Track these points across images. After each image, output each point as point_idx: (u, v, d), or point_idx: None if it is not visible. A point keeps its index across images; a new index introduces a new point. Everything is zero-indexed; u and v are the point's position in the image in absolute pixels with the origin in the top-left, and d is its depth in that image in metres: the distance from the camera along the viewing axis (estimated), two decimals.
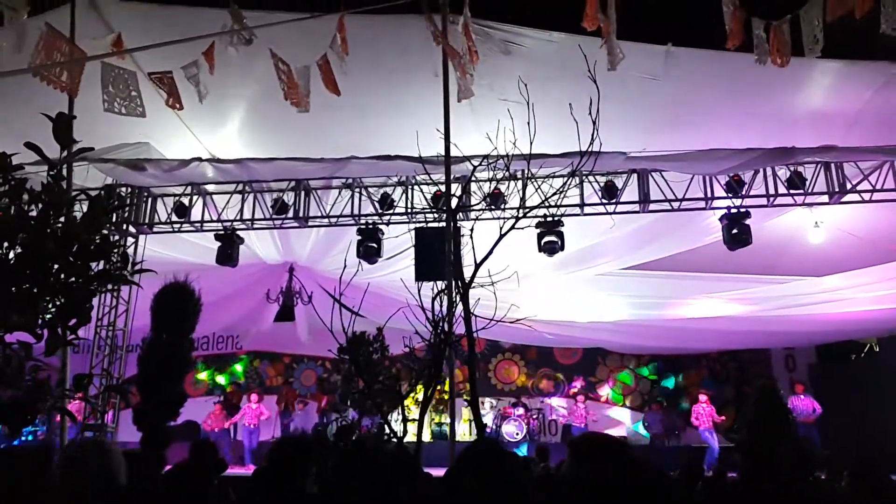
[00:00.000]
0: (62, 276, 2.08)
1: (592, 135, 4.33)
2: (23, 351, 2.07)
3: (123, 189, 10.18)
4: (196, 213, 10.36)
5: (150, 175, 9.38)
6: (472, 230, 4.75)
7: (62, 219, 2.14)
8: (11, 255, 2.05)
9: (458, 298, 4.42)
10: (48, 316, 2.11)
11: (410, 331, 4.64)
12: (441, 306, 4.32)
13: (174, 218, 10.29)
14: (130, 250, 10.36)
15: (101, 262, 2.26)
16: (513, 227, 4.64)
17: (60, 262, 2.05)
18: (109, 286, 2.28)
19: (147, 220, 10.43)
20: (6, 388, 2.03)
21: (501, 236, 4.61)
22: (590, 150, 4.29)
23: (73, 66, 6.61)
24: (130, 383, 9.83)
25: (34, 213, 2.12)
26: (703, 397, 13.74)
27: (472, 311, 4.52)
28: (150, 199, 10.54)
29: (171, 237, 10.82)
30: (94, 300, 2.26)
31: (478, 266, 4.36)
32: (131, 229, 10.39)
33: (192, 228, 10.45)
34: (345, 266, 5.13)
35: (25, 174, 2.27)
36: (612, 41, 6.96)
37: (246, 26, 7.00)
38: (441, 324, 4.27)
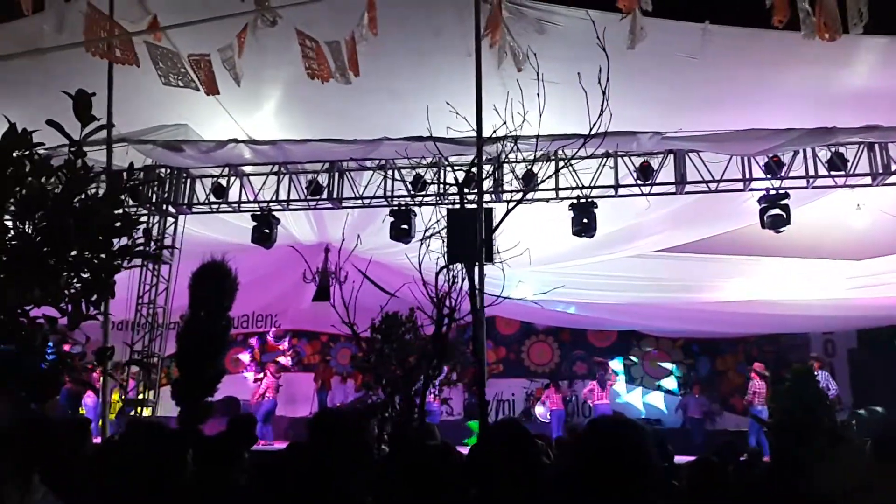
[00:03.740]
0: (85, 252, 2.15)
1: (601, 108, 4.21)
2: (48, 325, 2.15)
3: (163, 170, 10.40)
4: (234, 195, 10.55)
5: (188, 156, 9.57)
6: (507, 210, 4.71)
7: (83, 196, 2.20)
8: (32, 230, 2.12)
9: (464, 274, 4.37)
10: (73, 291, 2.18)
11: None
12: (447, 282, 4.27)
13: (212, 198, 10.50)
14: (170, 230, 10.61)
15: (125, 239, 2.32)
16: (520, 202, 4.59)
17: (81, 237, 2.12)
18: (133, 262, 2.35)
19: (186, 201, 10.65)
20: (33, 361, 2.11)
21: (508, 211, 4.57)
22: (595, 128, 4.16)
23: (123, 40, 6.75)
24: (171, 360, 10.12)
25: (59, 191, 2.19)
26: (758, 366, 13.13)
27: (504, 294, 4.52)
28: (188, 181, 10.76)
29: (211, 218, 11.04)
30: (135, 278, 2.33)
31: (484, 241, 4.35)
32: (171, 209, 10.62)
33: (229, 209, 10.65)
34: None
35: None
36: (636, 18, 6.83)
37: (269, 7, 7.05)
38: (445, 301, 4.24)
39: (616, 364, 16.76)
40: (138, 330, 10.21)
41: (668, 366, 16.91)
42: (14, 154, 2.11)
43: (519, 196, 9.32)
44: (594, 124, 4.20)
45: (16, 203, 2.12)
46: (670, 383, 16.73)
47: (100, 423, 8.79)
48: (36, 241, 2.09)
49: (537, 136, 7.88)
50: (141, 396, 9.84)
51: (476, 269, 4.72)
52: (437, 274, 4.20)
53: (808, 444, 5.04)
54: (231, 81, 7.89)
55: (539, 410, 15.05)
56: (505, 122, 5.00)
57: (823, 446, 5.21)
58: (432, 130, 8.04)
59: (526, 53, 7.40)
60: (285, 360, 15.44)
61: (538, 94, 5.37)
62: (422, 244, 4.49)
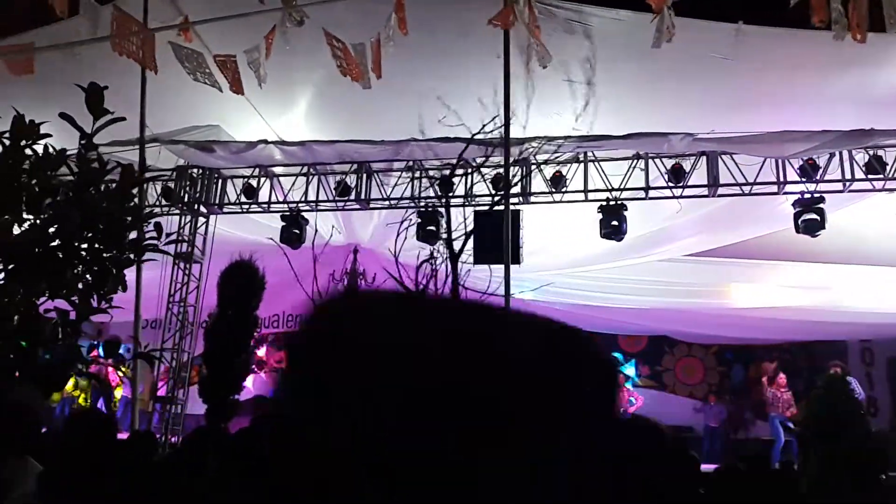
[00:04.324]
0: (96, 245, 2.16)
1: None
2: (59, 317, 2.17)
3: (195, 170, 10.55)
4: (264, 195, 10.65)
5: (219, 157, 9.69)
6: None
7: (92, 190, 2.21)
8: (40, 222, 2.14)
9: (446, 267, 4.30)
10: (84, 285, 2.19)
11: None
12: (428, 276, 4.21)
13: (243, 199, 10.61)
14: (202, 229, 10.75)
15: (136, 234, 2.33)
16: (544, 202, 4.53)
17: (88, 231, 2.13)
18: (149, 258, 2.36)
19: (217, 201, 10.78)
20: (43, 351, 2.13)
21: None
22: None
23: (146, 44, 6.87)
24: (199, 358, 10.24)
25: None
26: (781, 379, 12.79)
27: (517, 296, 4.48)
28: (220, 181, 10.89)
29: (241, 218, 11.16)
30: (167, 277, 2.35)
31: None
32: (202, 209, 10.76)
33: (259, 209, 10.76)
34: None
35: (110, 153, 2.37)
36: (664, 17, 6.73)
37: (295, 7, 7.09)
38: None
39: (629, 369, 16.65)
40: (169, 328, 10.34)
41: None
42: (21, 143, 2.14)
43: (547, 198, 9.28)
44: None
45: (27, 196, 2.15)
46: (700, 390, 16.42)
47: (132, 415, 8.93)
48: (46, 234, 2.11)
49: (566, 137, 7.84)
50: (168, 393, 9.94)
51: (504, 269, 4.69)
52: (418, 268, 4.16)
53: (835, 456, 4.90)
54: (263, 83, 7.97)
55: None
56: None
57: (855, 459, 5.06)
58: (461, 131, 8.03)
59: (544, 54, 7.34)
60: None
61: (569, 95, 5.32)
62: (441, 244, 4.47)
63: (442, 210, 9.84)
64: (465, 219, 8.17)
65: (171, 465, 4.24)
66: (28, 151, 2.24)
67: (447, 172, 9.43)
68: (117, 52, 6.85)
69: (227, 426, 6.70)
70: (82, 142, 2.29)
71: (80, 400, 13.73)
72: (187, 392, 10.36)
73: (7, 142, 2.16)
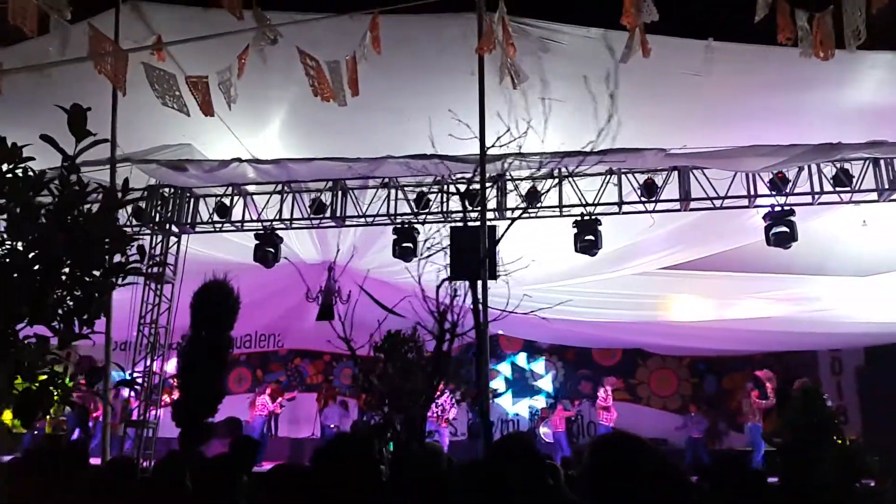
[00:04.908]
0: (76, 269, 2.11)
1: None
2: (39, 344, 2.11)
3: (166, 190, 10.40)
4: (237, 214, 10.54)
5: (192, 175, 9.57)
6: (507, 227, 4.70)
7: (75, 212, 2.16)
8: (22, 246, 2.08)
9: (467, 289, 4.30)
10: (65, 309, 2.13)
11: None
12: (447, 296, 4.19)
13: (216, 218, 10.48)
14: (173, 249, 10.59)
15: (118, 256, 2.28)
16: (519, 217, 4.55)
17: (71, 254, 2.08)
18: (129, 281, 2.31)
19: (189, 220, 10.63)
20: (23, 380, 2.07)
21: (509, 226, 4.52)
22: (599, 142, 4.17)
23: (118, 63, 6.79)
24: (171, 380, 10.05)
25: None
26: (753, 390, 13.11)
27: (510, 307, 4.46)
28: (192, 200, 10.74)
29: (214, 237, 11.02)
30: (137, 298, 2.29)
31: (485, 257, 4.30)
32: (174, 229, 10.60)
33: (233, 228, 10.63)
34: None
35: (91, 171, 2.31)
36: (635, 35, 6.84)
37: (269, 26, 7.07)
38: (447, 315, 4.16)
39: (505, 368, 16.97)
40: (140, 350, 10.14)
41: (542, 370, 17.06)
42: (3, 167, 2.08)
43: (522, 213, 9.30)
44: (601, 132, 4.15)
45: (7, 219, 2.09)
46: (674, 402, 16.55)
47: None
48: (26, 258, 2.05)
49: (541, 154, 7.89)
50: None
51: (479, 285, 4.66)
52: (438, 288, 4.14)
53: (818, 466, 4.96)
54: (237, 101, 7.91)
55: (543, 431, 14.88)
56: (508, 135, 4.94)
57: (834, 468, 5.13)
58: (436, 148, 8.04)
59: (518, 73, 7.40)
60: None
61: (543, 111, 5.35)
62: (419, 260, 4.45)
63: (417, 227, 9.84)
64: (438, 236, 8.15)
65: (148, 489, 4.14)
66: None
67: (424, 189, 9.44)
68: (97, 70, 6.75)
69: (202, 449, 6.58)
70: (65, 164, 2.23)
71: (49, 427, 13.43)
72: (158, 415, 10.16)
73: None
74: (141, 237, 10.06)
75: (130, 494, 3.65)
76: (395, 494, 3.19)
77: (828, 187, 8.96)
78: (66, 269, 2.12)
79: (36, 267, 2.05)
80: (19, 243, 2.08)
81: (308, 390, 17.43)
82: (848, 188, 8.87)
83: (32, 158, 2.22)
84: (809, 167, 8.98)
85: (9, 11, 6.53)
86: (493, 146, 5.84)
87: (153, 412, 9.99)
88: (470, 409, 15.22)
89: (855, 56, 7.05)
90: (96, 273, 2.18)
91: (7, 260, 2.03)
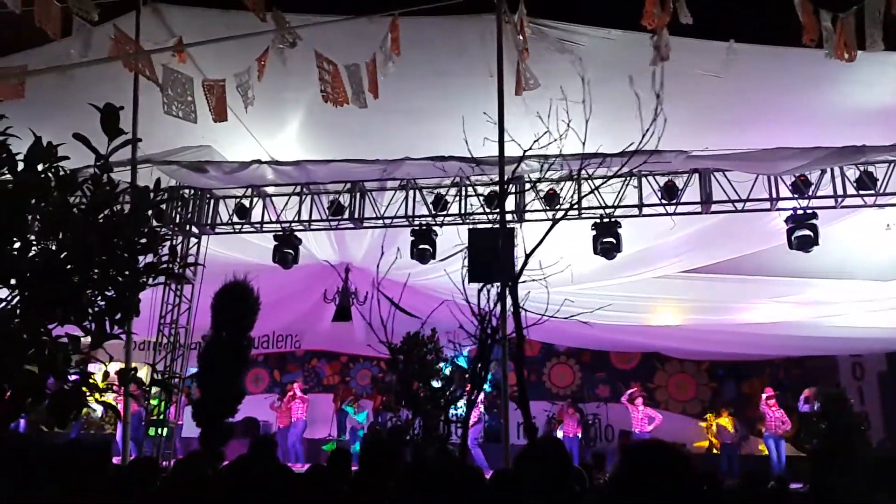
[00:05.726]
0: (110, 269, 2.12)
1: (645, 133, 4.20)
2: (71, 344, 2.12)
3: (186, 191, 10.48)
4: (256, 215, 10.59)
5: (212, 177, 9.63)
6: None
7: (107, 212, 2.17)
8: (55, 246, 2.09)
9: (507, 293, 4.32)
10: (97, 309, 2.15)
11: (454, 331, 4.57)
12: (489, 301, 4.22)
13: (235, 219, 10.54)
14: (193, 250, 10.66)
15: (150, 257, 2.29)
16: (563, 217, 4.54)
17: (105, 255, 2.09)
18: (159, 281, 2.32)
19: (209, 221, 10.70)
20: (55, 380, 2.08)
21: (552, 226, 4.50)
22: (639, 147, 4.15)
23: (147, 61, 6.87)
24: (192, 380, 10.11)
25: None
26: (769, 398, 12.82)
27: (521, 306, 4.45)
28: (212, 201, 10.82)
29: (233, 238, 11.08)
30: (157, 298, 2.31)
31: (527, 258, 4.29)
32: (194, 230, 10.68)
33: (252, 229, 10.69)
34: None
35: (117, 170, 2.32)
36: (662, 36, 6.80)
37: (289, 28, 7.10)
38: (488, 319, 4.18)
39: None
40: (160, 350, 10.22)
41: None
42: (39, 168, 2.10)
43: (541, 216, 9.27)
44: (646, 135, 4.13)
45: (40, 219, 2.10)
46: (694, 407, 16.38)
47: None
48: (59, 259, 2.06)
49: (560, 156, 7.84)
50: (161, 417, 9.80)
51: (509, 289, 4.65)
52: (479, 292, 4.16)
53: (847, 474, 4.87)
54: (255, 104, 7.95)
55: (560, 434, 14.80)
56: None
57: (863, 475, 5.04)
58: (455, 150, 8.02)
59: (531, 78, 7.39)
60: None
61: (565, 114, 5.33)
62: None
63: (436, 228, 9.82)
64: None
65: (171, 488, 4.16)
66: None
67: (442, 191, 9.43)
68: (128, 70, 6.84)
69: (223, 449, 6.61)
70: (98, 163, 2.25)
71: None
72: (180, 415, 10.23)
73: (21, 164, 2.12)
74: (165, 234, 10.13)
75: (152, 494, 3.66)
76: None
77: (851, 190, 8.84)
78: (97, 270, 2.13)
79: (69, 267, 2.06)
80: (52, 244, 2.10)
81: (325, 391, 17.51)
82: (872, 191, 8.74)
83: (67, 158, 2.23)
84: (832, 170, 8.85)
85: (34, 14, 6.62)
86: (531, 148, 5.80)
87: (174, 412, 10.08)
88: (486, 413, 15.19)
89: (880, 57, 6.97)
90: (126, 273, 2.19)
91: (37, 259, 2.04)
